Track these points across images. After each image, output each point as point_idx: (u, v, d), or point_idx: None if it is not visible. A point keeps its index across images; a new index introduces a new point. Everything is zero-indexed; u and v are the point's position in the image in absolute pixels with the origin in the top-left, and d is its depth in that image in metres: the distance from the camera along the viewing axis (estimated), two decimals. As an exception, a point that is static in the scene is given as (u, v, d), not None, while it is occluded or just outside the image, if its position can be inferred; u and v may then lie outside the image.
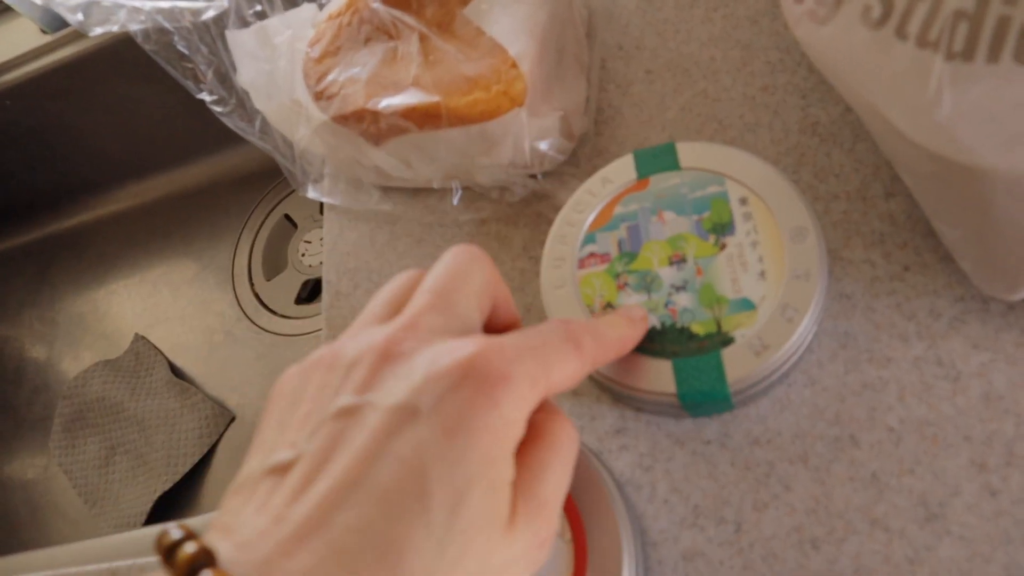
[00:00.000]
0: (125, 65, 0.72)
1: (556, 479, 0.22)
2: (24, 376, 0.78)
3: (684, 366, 0.29)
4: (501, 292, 0.25)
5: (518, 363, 0.21)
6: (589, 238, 0.32)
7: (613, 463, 0.33)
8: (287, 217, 0.75)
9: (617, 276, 0.31)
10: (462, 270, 0.24)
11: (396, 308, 0.24)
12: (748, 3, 0.41)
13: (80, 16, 0.44)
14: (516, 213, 0.40)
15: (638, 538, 0.30)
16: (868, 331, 0.32)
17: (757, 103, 0.38)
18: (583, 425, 0.34)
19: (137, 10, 0.42)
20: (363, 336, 0.22)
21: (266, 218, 0.76)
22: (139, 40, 0.42)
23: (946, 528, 0.29)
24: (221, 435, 0.67)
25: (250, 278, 0.73)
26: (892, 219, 0.34)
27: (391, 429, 0.19)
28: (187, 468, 0.65)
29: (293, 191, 0.76)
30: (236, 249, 0.75)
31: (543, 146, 0.37)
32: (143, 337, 0.74)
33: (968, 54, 0.23)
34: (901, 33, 0.25)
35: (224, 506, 0.20)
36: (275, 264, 0.74)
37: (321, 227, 0.73)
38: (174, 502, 0.65)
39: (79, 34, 0.70)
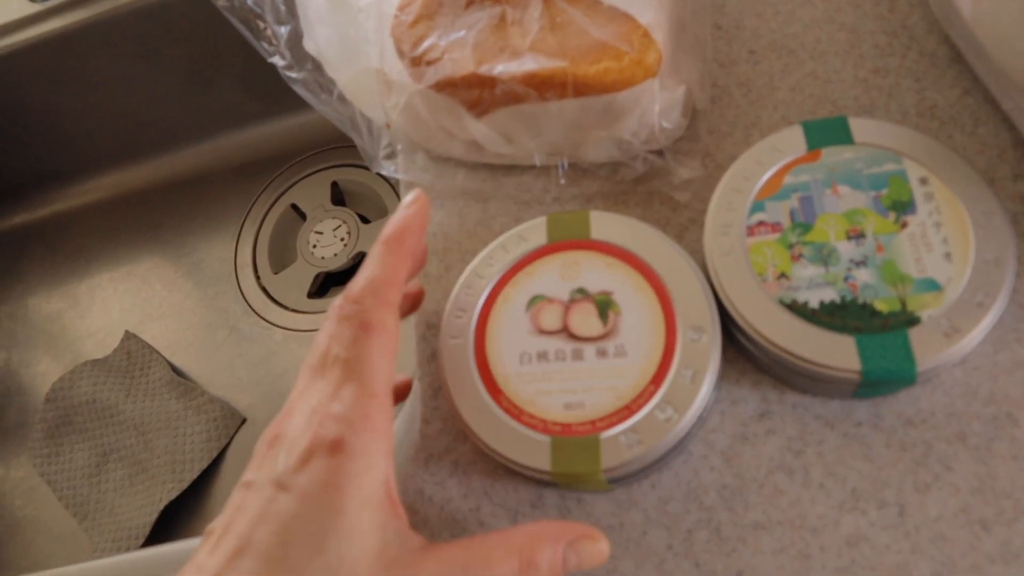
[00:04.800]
0: (118, 42, 0.66)
1: None
2: (-6, 379, 0.71)
3: (869, 343, 0.28)
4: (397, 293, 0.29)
5: (342, 415, 0.26)
6: (757, 206, 0.31)
7: (761, 447, 0.32)
8: (294, 207, 0.70)
9: (791, 246, 0.30)
10: (367, 328, 0.27)
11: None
12: (851, -15, 0.41)
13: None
14: (626, 192, 0.38)
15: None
16: (1014, 311, 0.32)
17: (870, 85, 0.38)
18: (724, 410, 0.33)
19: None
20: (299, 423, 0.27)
21: (271, 208, 0.71)
22: (212, -5, 0.38)
23: (1118, 504, 0.28)
24: (231, 439, 0.62)
25: (256, 271, 0.69)
26: (1023, 200, 0.34)
27: None
28: (195, 475, 0.60)
29: (299, 180, 0.71)
30: (238, 241, 0.70)
31: (665, 121, 0.35)
32: (134, 335, 0.68)
33: None
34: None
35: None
36: (283, 257, 0.69)
37: (332, 217, 0.69)
38: (179, 513, 0.60)
39: (70, 4, 0.64)
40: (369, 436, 0.25)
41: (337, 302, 0.28)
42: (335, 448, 0.25)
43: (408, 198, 0.31)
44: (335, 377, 0.27)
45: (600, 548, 0.27)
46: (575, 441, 0.29)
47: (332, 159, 0.71)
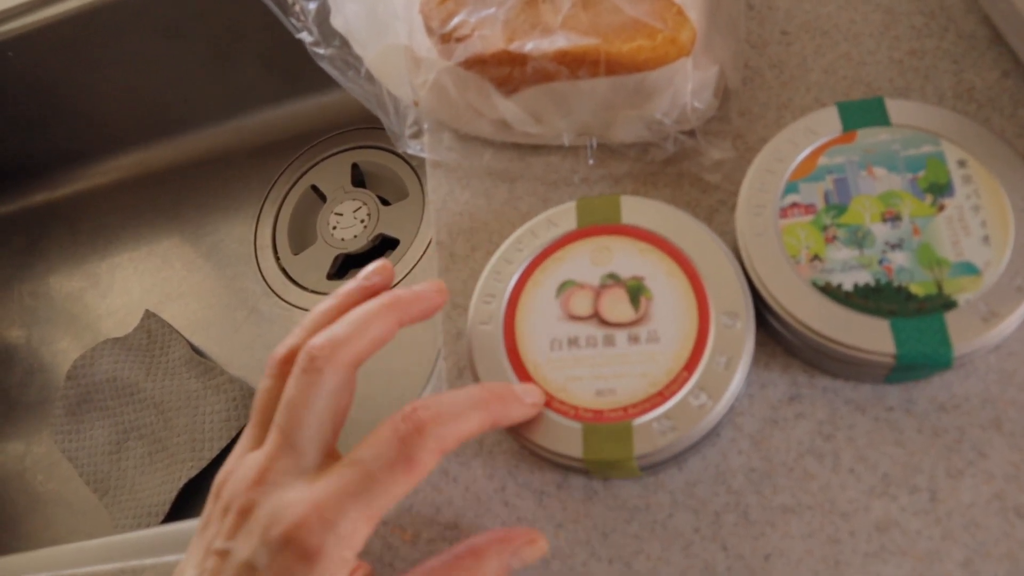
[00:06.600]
0: (140, 20, 0.66)
1: None
2: (16, 356, 0.71)
3: (904, 327, 0.27)
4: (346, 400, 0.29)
5: (336, 525, 0.25)
6: (791, 187, 0.30)
7: (790, 431, 0.32)
8: (314, 188, 0.70)
9: (825, 228, 0.29)
10: (307, 399, 0.27)
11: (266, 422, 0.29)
12: (887, -35, 0.40)
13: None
14: (655, 173, 0.37)
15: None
16: (1052, 296, 0.31)
17: (906, 67, 0.37)
18: (752, 393, 0.33)
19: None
20: (239, 477, 0.28)
21: (291, 189, 0.71)
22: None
23: None
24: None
25: (275, 252, 0.69)
26: (1065, 184, 0.33)
27: None
28: (214, 453, 0.60)
29: (320, 161, 0.71)
30: (258, 221, 0.70)
31: (698, 101, 0.35)
32: (154, 314, 0.68)
33: None
34: None
35: None
36: (302, 238, 0.69)
37: (352, 199, 0.69)
38: (198, 491, 0.61)
39: (94, -19, 0.64)
40: (345, 544, 0.25)
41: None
42: (312, 556, 0.25)
43: (373, 267, 0.32)
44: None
45: (539, 548, 0.29)
46: (607, 428, 0.29)
47: (353, 140, 0.70)
